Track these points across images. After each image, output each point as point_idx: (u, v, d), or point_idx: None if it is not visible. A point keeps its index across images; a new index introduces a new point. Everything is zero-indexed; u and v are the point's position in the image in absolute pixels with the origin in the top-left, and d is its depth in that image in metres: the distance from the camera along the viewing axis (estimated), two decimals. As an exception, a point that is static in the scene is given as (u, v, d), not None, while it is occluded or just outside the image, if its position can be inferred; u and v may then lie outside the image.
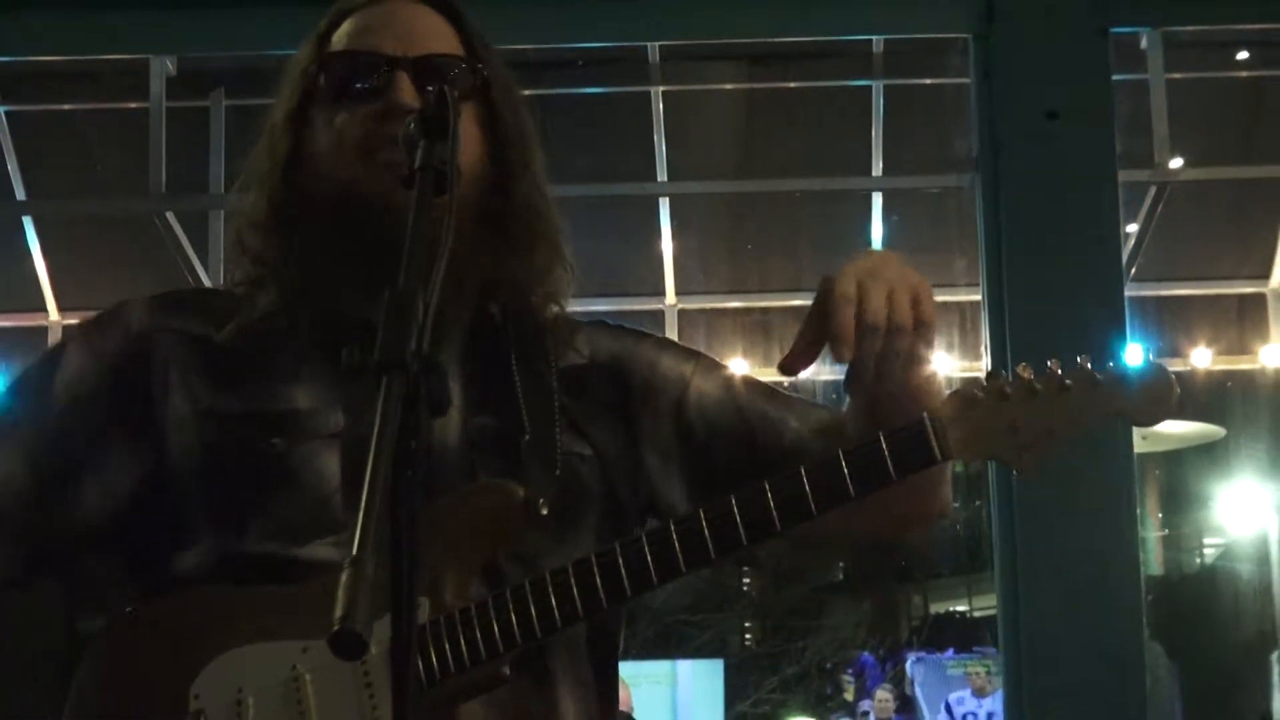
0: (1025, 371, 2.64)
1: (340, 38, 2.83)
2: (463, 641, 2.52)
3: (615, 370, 2.91)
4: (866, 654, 15.93)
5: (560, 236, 2.89)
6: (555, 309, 2.90)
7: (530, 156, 2.87)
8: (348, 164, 2.72)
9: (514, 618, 2.54)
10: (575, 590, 2.55)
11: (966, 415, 2.61)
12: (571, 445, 2.79)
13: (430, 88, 2.65)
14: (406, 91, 2.68)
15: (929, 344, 2.61)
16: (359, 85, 2.76)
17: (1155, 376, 2.66)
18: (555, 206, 2.90)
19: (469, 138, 2.72)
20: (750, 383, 2.95)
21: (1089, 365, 2.65)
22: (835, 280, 2.55)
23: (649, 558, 2.56)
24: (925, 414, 2.61)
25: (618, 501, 2.84)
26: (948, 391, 2.65)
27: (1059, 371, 2.64)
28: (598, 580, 2.55)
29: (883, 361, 2.56)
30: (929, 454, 2.59)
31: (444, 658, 2.52)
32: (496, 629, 2.53)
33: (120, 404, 2.74)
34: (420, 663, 2.48)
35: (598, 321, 2.99)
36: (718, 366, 2.98)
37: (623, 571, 2.55)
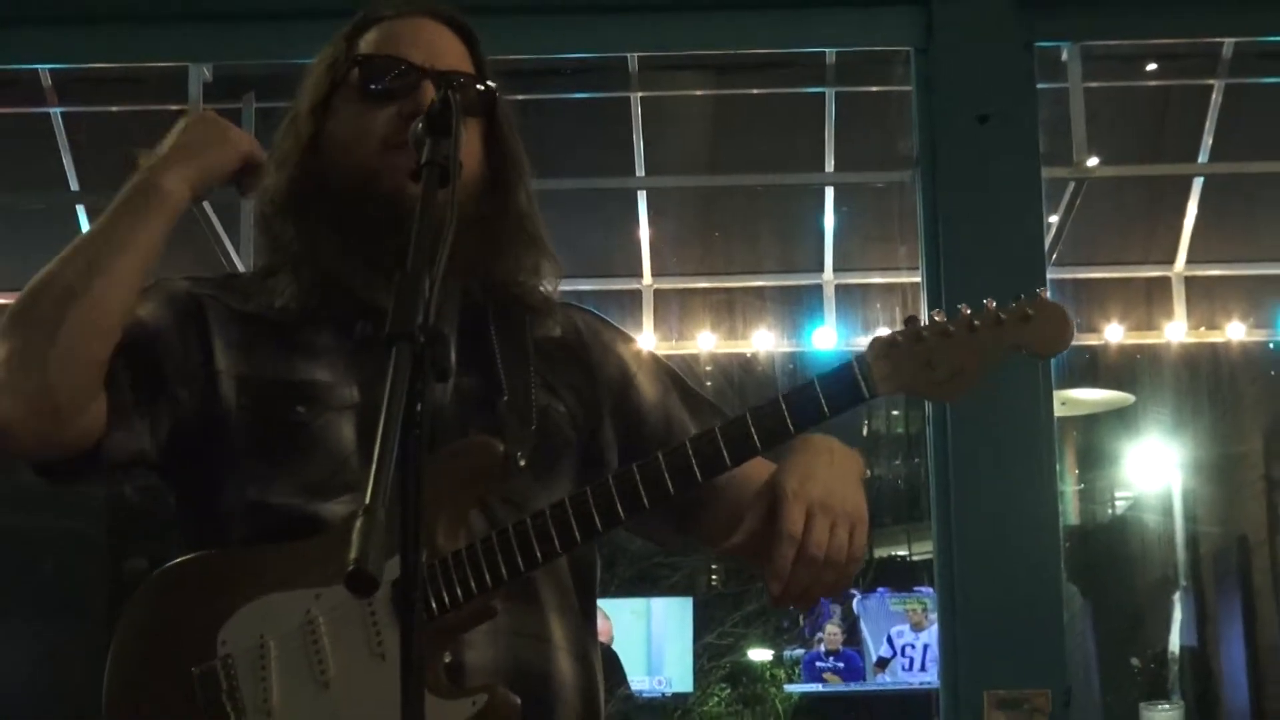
0: (939, 316, 2.63)
1: (370, 43, 2.83)
2: (455, 582, 2.53)
3: (580, 345, 2.90)
4: (819, 593, 15.89)
5: (544, 236, 2.88)
6: (534, 290, 2.88)
7: (522, 169, 2.87)
8: (370, 155, 2.71)
9: (500, 557, 2.54)
10: (553, 530, 2.56)
11: (888, 356, 2.60)
12: (548, 402, 2.79)
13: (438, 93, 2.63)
14: (430, 97, 2.65)
15: (853, 575, 2.60)
16: (388, 87, 2.75)
17: (1053, 314, 2.65)
18: (539, 211, 2.89)
19: (473, 149, 2.75)
20: (685, 393, 2.94)
21: (994, 306, 2.64)
22: (787, 498, 2.56)
23: (615, 497, 2.56)
24: (853, 356, 2.61)
25: (592, 450, 2.84)
26: (871, 336, 2.64)
27: (968, 313, 2.63)
28: (572, 520, 2.56)
29: (809, 586, 2.56)
30: (857, 391, 2.59)
31: (439, 596, 2.52)
32: (485, 568, 2.54)
33: (192, 340, 2.72)
34: (426, 600, 2.49)
35: (571, 304, 2.99)
36: (662, 369, 2.97)
37: (593, 510, 2.56)
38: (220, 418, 2.71)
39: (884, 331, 2.64)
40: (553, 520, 2.57)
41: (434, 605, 2.52)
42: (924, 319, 2.64)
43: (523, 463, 2.66)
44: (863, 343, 7.68)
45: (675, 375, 2.98)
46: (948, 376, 2.62)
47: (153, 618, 2.67)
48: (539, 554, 2.55)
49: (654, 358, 3.00)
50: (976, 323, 2.63)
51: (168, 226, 2.69)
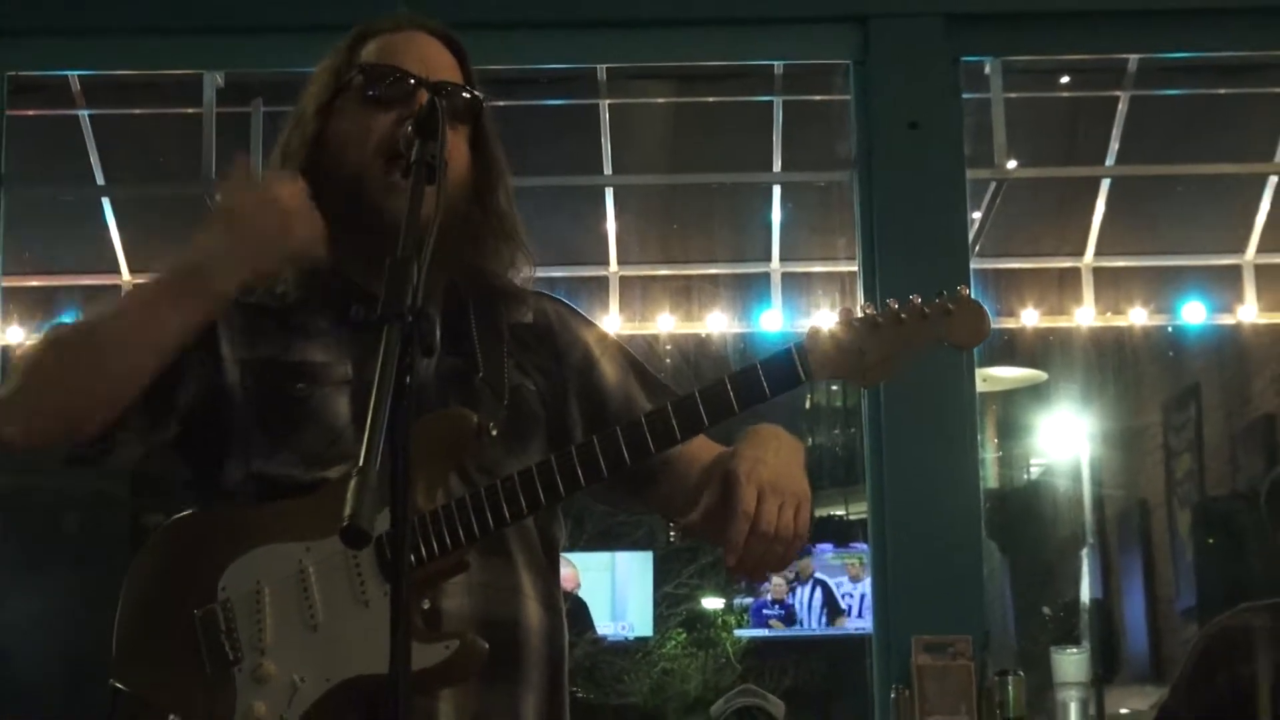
0: (869, 309, 2.64)
1: (369, 54, 2.82)
2: (433, 536, 2.54)
3: (550, 331, 2.89)
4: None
5: (520, 233, 2.88)
6: (510, 280, 2.89)
7: (504, 172, 2.86)
8: (366, 157, 2.70)
9: (472, 516, 2.56)
10: (519, 493, 2.57)
11: (822, 345, 2.62)
12: (520, 381, 2.79)
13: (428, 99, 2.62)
14: (422, 104, 2.63)
15: (798, 549, 2.61)
16: (386, 94, 2.74)
17: (972, 309, 2.67)
18: (517, 209, 2.89)
19: (460, 153, 2.75)
20: (642, 375, 2.94)
21: (919, 301, 2.66)
22: (740, 481, 2.56)
23: (577, 465, 2.58)
24: (792, 345, 2.62)
25: (559, 426, 2.83)
26: (808, 327, 2.65)
27: (895, 307, 2.64)
28: (537, 484, 2.57)
29: (761, 557, 2.57)
30: (795, 375, 2.61)
31: (418, 549, 2.53)
32: (460, 525, 2.55)
33: (201, 331, 2.67)
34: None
35: (544, 293, 2.98)
36: (622, 354, 2.96)
37: (556, 477, 2.57)
38: (226, 399, 2.71)
39: (820, 323, 2.65)
40: (520, 484, 2.57)
41: (412, 557, 2.47)
42: (857, 311, 2.65)
43: (495, 433, 2.66)
44: (806, 325, 7.72)
45: (634, 359, 2.97)
46: (876, 363, 2.63)
47: (159, 566, 2.68)
48: (507, 514, 2.56)
49: (616, 343, 2.99)
50: (903, 316, 2.64)
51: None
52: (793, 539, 2.59)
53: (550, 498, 2.58)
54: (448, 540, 2.55)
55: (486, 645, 2.56)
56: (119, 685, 2.64)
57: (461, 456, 2.65)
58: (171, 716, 2.56)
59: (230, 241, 2.60)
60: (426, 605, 2.56)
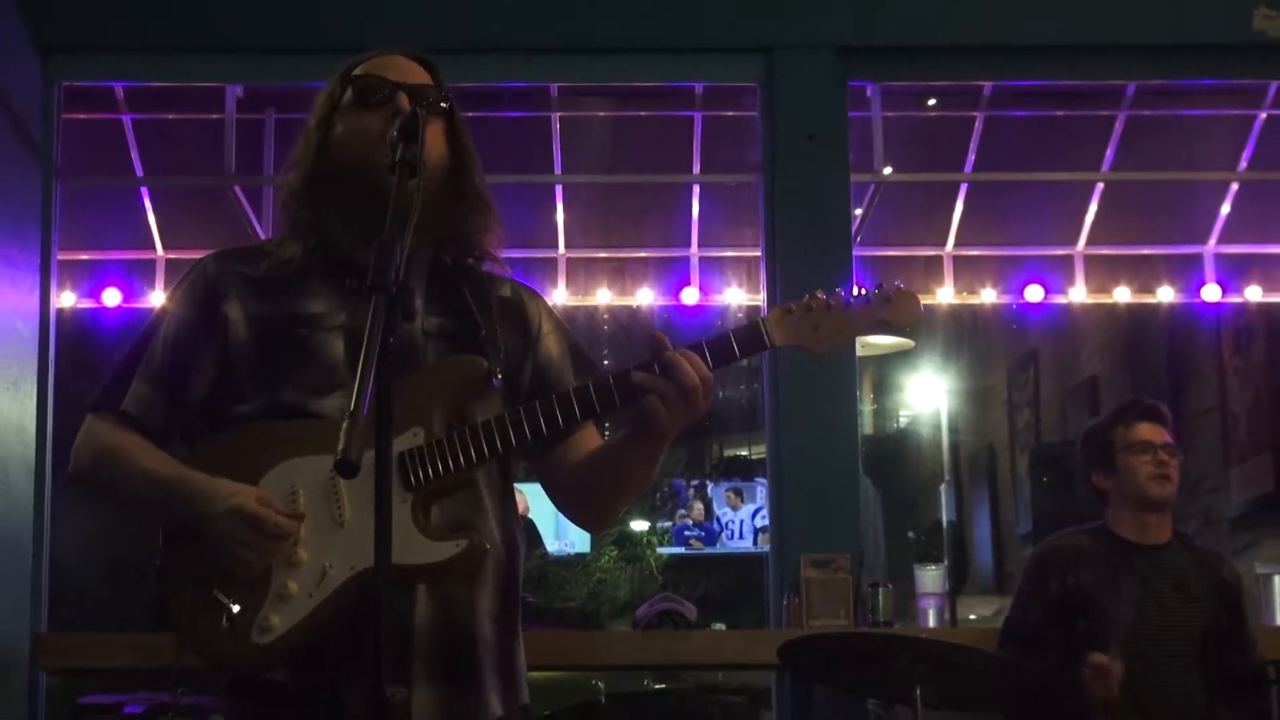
0: (822, 294, 2.70)
1: (358, 73, 2.85)
2: (448, 455, 2.59)
3: (519, 307, 2.92)
4: (678, 480, 15.99)
5: (492, 204, 2.90)
6: (495, 263, 2.92)
7: (475, 155, 2.88)
8: (364, 146, 2.72)
9: (484, 441, 2.61)
10: (509, 428, 2.62)
11: (785, 319, 2.67)
12: (506, 343, 2.82)
13: (410, 105, 2.68)
14: (405, 104, 2.71)
15: (697, 410, 2.62)
16: (374, 98, 2.77)
17: (908, 298, 2.74)
18: (488, 187, 2.91)
19: (438, 141, 2.78)
20: (579, 358, 2.95)
21: (863, 291, 2.72)
22: (674, 354, 2.59)
23: (557, 412, 2.63)
24: (760, 318, 2.68)
25: (514, 383, 2.83)
26: (775, 308, 2.71)
27: (844, 295, 2.71)
28: (523, 421, 2.62)
29: (679, 404, 2.59)
30: (760, 342, 2.67)
31: (434, 467, 2.59)
32: (472, 448, 2.60)
33: (205, 321, 2.77)
34: (423, 470, 2.59)
35: (516, 280, 2.99)
36: (566, 335, 2.98)
37: (556, 413, 2.63)
38: (239, 350, 2.74)
39: (785, 302, 2.72)
40: (525, 416, 2.63)
41: (431, 472, 2.59)
42: (820, 295, 2.72)
43: (498, 378, 2.71)
44: (721, 298, 7.77)
45: (574, 343, 2.99)
46: (827, 337, 2.70)
47: (206, 471, 2.67)
48: (513, 439, 2.62)
49: (564, 328, 3.01)
50: (851, 301, 2.71)
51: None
52: (702, 382, 2.60)
53: (550, 426, 2.63)
54: (462, 460, 2.60)
55: (488, 545, 2.64)
56: (167, 567, 2.67)
57: (472, 396, 2.70)
58: (214, 589, 2.59)
59: (217, 532, 2.59)
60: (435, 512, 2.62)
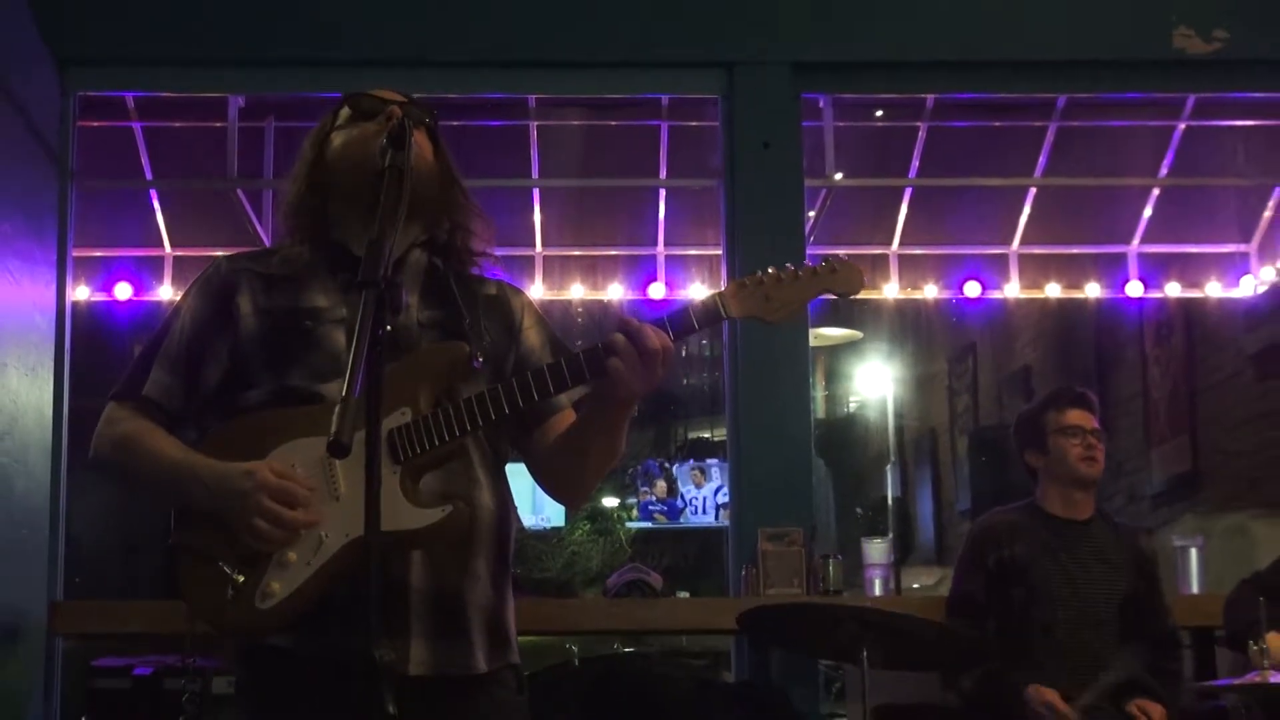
0: (773, 269, 2.73)
1: (349, 103, 2.93)
2: (433, 430, 2.61)
3: (504, 303, 2.95)
4: (651, 460, 15.99)
5: (474, 202, 2.95)
6: (486, 266, 2.97)
7: (453, 163, 2.93)
8: (360, 151, 2.76)
9: (465, 416, 2.62)
10: (489, 403, 2.63)
11: (739, 292, 2.70)
12: (490, 333, 2.85)
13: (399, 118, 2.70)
14: (395, 115, 2.73)
15: (656, 374, 2.63)
16: (367, 110, 2.85)
17: (850, 268, 2.78)
18: (469, 189, 2.95)
19: (425, 148, 2.83)
20: (557, 348, 2.95)
21: (812, 265, 2.76)
22: (639, 322, 2.62)
23: (532, 385, 2.65)
24: (717, 292, 2.70)
25: (498, 370, 2.84)
26: (731, 282, 2.73)
27: (792, 268, 2.74)
28: (501, 396, 2.63)
29: (639, 367, 2.61)
30: (717, 314, 2.68)
31: (421, 441, 2.61)
32: (455, 423, 2.62)
33: (218, 314, 2.80)
34: (410, 444, 2.61)
35: (501, 279, 3.02)
36: (546, 329, 3.00)
37: (531, 389, 2.64)
38: (251, 341, 2.77)
39: (740, 278, 2.74)
40: (503, 393, 2.65)
41: (418, 446, 2.61)
42: (772, 269, 2.74)
43: (480, 362, 2.74)
44: (685, 293, 7.76)
45: (554, 335, 3.01)
46: (779, 307, 2.72)
47: (216, 454, 2.69)
48: (492, 413, 2.63)
49: (545, 321, 3.03)
50: (800, 273, 2.74)
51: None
52: (663, 349, 2.63)
53: (525, 400, 2.64)
54: (446, 433, 2.61)
55: (471, 511, 2.66)
56: (178, 543, 2.69)
57: (456, 378, 2.71)
58: (220, 563, 2.61)
59: (229, 510, 2.61)
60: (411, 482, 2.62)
